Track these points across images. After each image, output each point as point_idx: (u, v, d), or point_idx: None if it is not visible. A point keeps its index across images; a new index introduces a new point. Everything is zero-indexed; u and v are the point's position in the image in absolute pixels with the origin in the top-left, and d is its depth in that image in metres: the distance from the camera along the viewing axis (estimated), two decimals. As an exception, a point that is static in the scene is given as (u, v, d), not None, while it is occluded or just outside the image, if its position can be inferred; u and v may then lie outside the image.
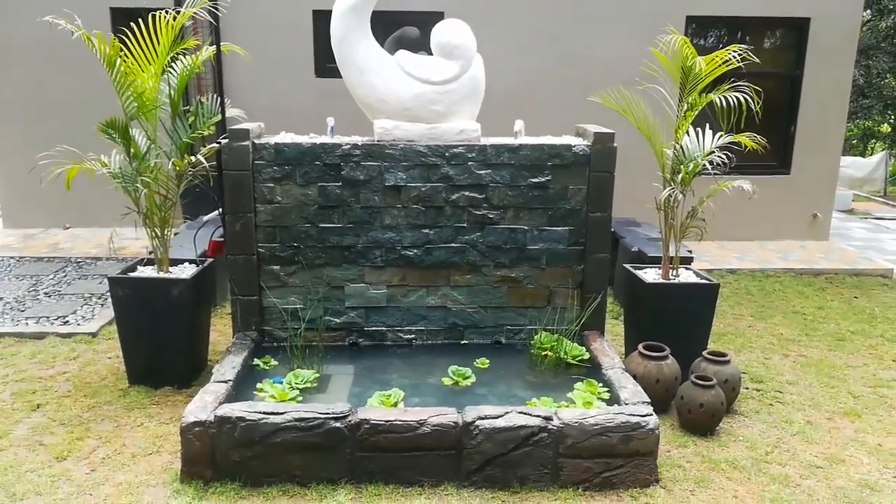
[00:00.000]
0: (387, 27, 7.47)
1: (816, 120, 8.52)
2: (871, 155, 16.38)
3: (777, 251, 8.25)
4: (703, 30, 8.57)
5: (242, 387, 3.79)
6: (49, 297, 6.10)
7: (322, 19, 7.36)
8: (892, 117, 16.24)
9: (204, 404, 3.40)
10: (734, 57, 4.31)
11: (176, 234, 5.52)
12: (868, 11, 14.35)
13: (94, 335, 5.27)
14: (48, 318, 5.58)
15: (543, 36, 8.11)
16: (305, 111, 7.45)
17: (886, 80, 15.50)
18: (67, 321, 5.53)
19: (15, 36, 7.88)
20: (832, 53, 8.35)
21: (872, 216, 11.23)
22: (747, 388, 4.61)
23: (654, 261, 5.29)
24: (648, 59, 4.62)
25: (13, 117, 8.19)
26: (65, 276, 6.68)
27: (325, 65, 7.74)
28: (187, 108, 4.72)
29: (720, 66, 4.35)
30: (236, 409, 3.32)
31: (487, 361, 4.26)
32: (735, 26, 8.58)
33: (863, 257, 8.10)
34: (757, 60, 4.47)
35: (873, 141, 18.28)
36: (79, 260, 7.18)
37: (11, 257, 7.24)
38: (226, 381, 3.70)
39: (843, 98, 8.61)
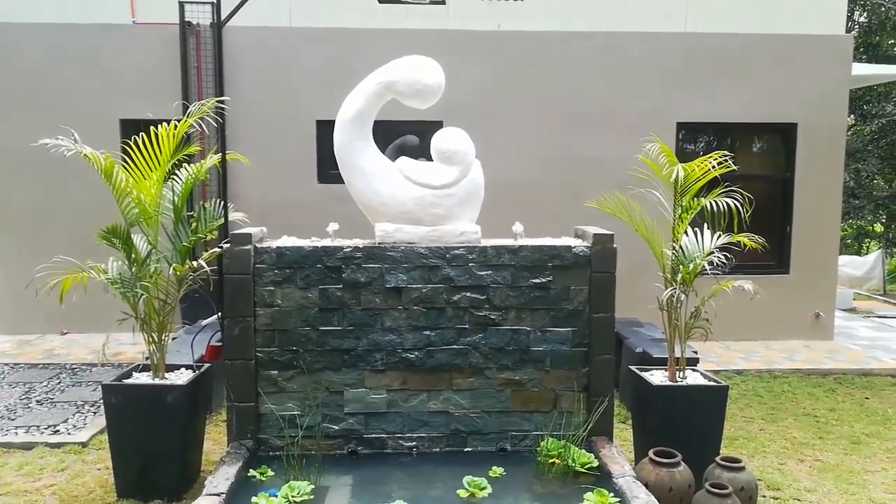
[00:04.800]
0: (387, 135, 7.70)
1: (811, 220, 8.64)
2: (866, 254, 16.52)
3: (782, 351, 8.14)
4: (693, 135, 8.86)
5: (236, 499, 3.61)
6: (41, 405, 5.95)
7: (325, 128, 7.61)
8: (884, 217, 16.52)
9: (195, 519, 3.24)
10: (713, 167, 4.42)
11: (174, 338, 5.45)
12: (852, 117, 14.89)
13: (84, 445, 5.09)
14: (38, 427, 5.42)
15: (539, 141, 8.36)
16: (308, 215, 7.56)
17: (876, 182, 15.88)
18: (58, 430, 5.37)
19: (18, 147, 7.99)
20: (821, 156, 8.58)
21: (875, 315, 11.16)
22: (764, 497, 4.41)
23: (660, 362, 5.19)
24: (640, 163, 4.73)
25: (11, 225, 8.26)
26: (58, 383, 6.55)
27: (328, 171, 7.93)
28: (190, 213, 4.78)
29: (701, 175, 4.45)
30: (228, 525, 3.15)
31: (501, 471, 4.05)
32: (723, 132, 8.88)
33: (870, 357, 7.98)
34: (735, 168, 4.57)
35: (867, 240, 18.52)
36: (74, 366, 7.05)
37: (6, 364, 7.12)
38: (218, 494, 3.53)
39: (836, 199, 8.77)
